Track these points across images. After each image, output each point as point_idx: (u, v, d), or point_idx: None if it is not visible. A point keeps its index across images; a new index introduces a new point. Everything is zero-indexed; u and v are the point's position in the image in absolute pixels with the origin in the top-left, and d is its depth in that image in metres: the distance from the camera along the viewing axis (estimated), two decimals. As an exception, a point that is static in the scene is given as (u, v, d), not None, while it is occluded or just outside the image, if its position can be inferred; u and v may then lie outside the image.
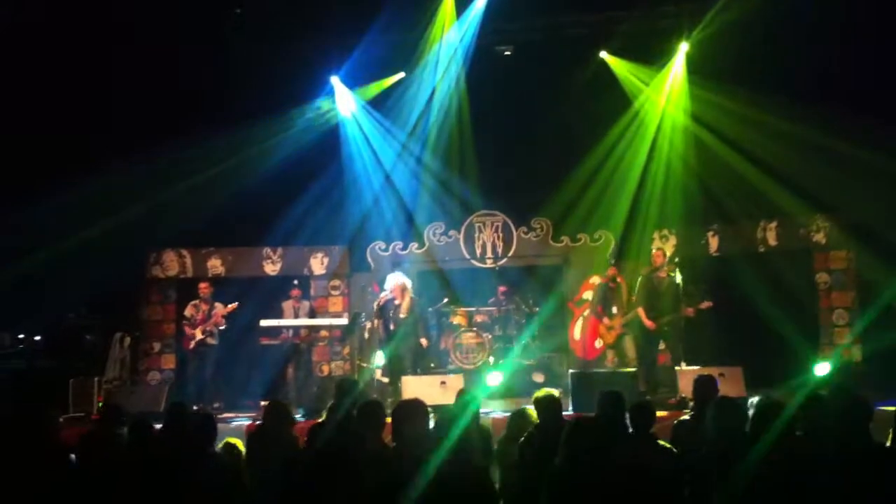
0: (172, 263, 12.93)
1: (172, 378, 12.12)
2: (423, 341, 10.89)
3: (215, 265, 13.00)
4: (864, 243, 11.17)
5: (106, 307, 11.81)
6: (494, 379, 10.39)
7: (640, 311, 10.41)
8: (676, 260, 10.73)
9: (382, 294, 10.69)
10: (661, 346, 10.78)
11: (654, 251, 10.71)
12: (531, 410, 5.84)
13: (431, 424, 4.49)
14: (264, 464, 5.40)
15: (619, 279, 11.02)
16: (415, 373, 10.38)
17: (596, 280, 12.41)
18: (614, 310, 10.99)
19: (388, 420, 4.75)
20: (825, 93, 10.57)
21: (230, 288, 11.94)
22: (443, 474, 3.69)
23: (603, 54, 12.49)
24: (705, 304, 10.28)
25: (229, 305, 11.08)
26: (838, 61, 10.51)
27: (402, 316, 10.51)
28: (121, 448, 4.89)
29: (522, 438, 5.54)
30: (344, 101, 12.98)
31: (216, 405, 10.65)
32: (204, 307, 11.12)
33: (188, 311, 11.20)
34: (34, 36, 10.31)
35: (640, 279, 10.77)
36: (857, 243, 11.39)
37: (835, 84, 10.60)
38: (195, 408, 10.20)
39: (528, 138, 12.78)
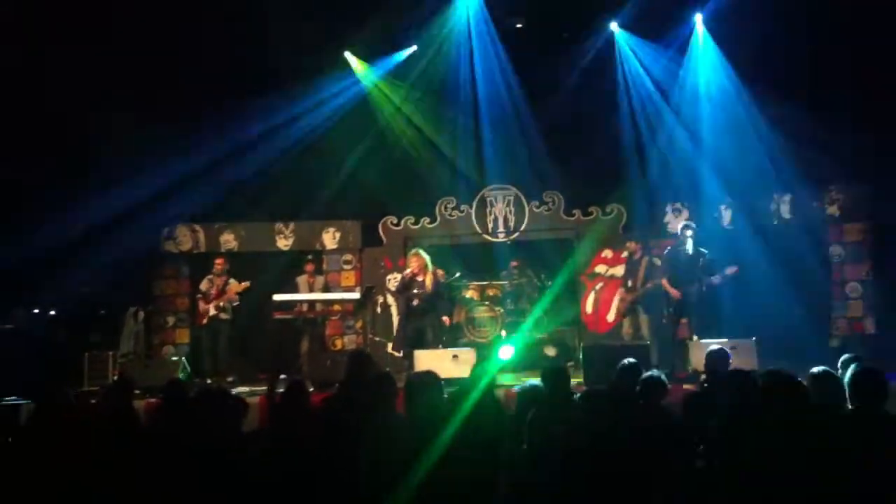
0: (185, 238, 12.98)
1: (187, 352, 12.19)
2: (446, 319, 10.95)
3: (228, 240, 13.05)
4: (879, 216, 11.13)
5: (120, 282, 11.88)
6: (506, 352, 10.41)
7: (665, 283, 10.35)
8: (689, 232, 10.66)
9: (406, 271, 10.69)
10: (683, 320, 10.73)
11: (689, 233, 10.58)
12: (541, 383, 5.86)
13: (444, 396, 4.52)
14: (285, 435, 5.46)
15: (638, 253, 10.97)
16: (435, 348, 10.40)
17: (609, 254, 12.41)
18: (629, 283, 10.98)
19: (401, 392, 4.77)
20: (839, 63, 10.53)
21: (244, 262, 12.02)
22: (454, 445, 3.73)
23: (613, 26, 12.42)
24: (731, 270, 10.16)
25: (242, 283, 11.11)
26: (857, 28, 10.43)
27: (426, 292, 10.52)
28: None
29: (532, 410, 5.57)
30: (362, 75, 12.97)
31: (230, 379, 10.74)
32: (218, 282, 11.16)
33: (203, 286, 11.26)
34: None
35: (665, 253, 10.73)
36: (871, 216, 11.35)
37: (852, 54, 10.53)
38: (209, 381, 10.35)
39: (539, 111, 12.76)
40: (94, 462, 4.26)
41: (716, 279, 9.98)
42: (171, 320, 12.80)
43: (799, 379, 4.25)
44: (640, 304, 10.71)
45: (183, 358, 10.73)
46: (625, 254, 11.39)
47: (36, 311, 11.61)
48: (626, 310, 10.97)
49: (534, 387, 5.92)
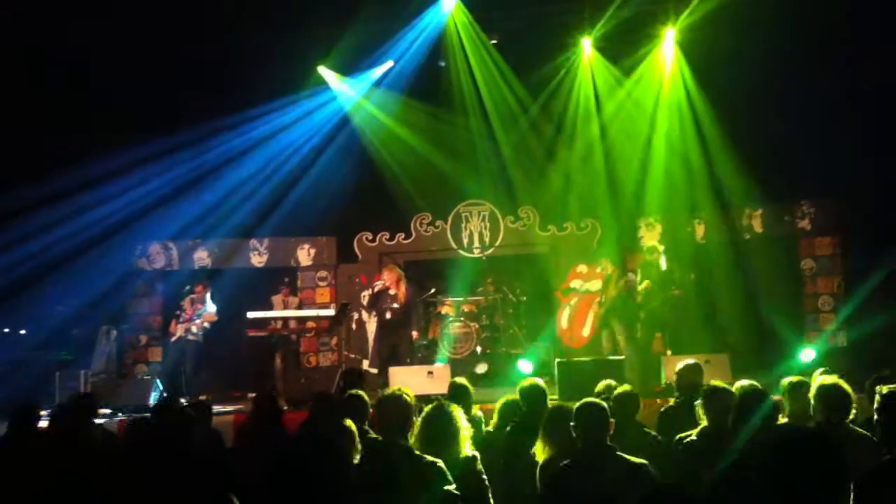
0: (159, 256, 12.87)
1: (160, 371, 12.07)
2: (415, 333, 10.92)
3: (202, 257, 12.96)
4: (849, 229, 11.27)
5: (92, 300, 11.77)
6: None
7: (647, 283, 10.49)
8: (662, 248, 10.75)
9: (376, 284, 10.66)
10: (658, 334, 10.80)
11: (660, 248, 10.71)
12: (518, 399, 5.87)
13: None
14: (253, 455, 5.42)
15: (609, 267, 11.03)
16: (410, 363, 10.38)
17: (583, 269, 12.44)
18: (602, 298, 11.03)
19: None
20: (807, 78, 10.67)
21: (218, 279, 11.97)
22: (426, 465, 3.72)
23: (586, 42, 12.48)
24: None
25: (213, 317, 11.01)
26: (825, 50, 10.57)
27: (397, 306, 10.50)
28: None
29: (509, 427, 5.58)
30: (338, 90, 13.01)
31: (202, 397, 10.62)
32: (199, 306, 11.05)
33: (184, 303, 11.14)
34: (23, 27, 10.24)
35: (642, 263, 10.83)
36: (842, 229, 11.48)
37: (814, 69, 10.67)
38: (183, 401, 10.23)
39: (515, 127, 12.83)
40: (62, 484, 4.19)
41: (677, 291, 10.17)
42: (143, 339, 12.66)
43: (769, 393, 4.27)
44: (614, 315, 10.75)
45: (157, 380, 10.62)
46: (599, 269, 11.44)
47: (6, 330, 11.49)
48: (600, 323, 11.02)
49: (512, 402, 5.94)
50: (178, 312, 11.18)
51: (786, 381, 5.17)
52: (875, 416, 3.77)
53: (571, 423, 4.28)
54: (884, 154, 10.30)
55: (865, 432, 4.30)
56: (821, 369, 6.09)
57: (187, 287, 11.31)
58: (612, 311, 10.70)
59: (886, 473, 3.26)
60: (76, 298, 11.62)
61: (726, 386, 4.83)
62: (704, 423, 4.71)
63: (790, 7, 10.24)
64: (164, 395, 9.86)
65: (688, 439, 4.65)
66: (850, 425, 4.44)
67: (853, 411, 4.49)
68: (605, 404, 4.36)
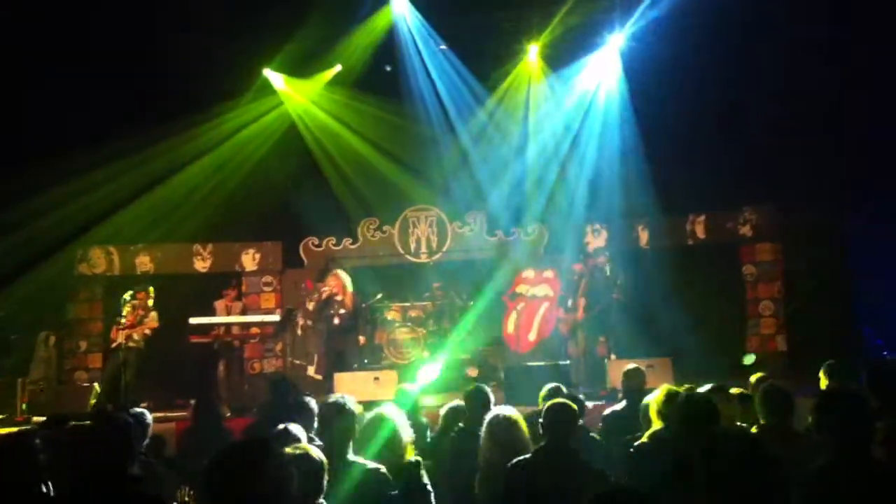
0: (100, 261, 12.60)
1: (99, 378, 11.80)
2: (361, 339, 10.87)
3: (144, 262, 12.71)
4: (790, 236, 11.49)
5: (31, 305, 11.48)
6: (429, 374, 10.38)
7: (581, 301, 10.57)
8: (608, 253, 10.85)
9: (323, 290, 10.58)
10: (602, 338, 10.90)
11: (606, 254, 10.85)
12: (463, 405, 5.87)
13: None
14: (196, 461, 5.33)
15: (577, 276, 11.10)
16: (356, 369, 10.32)
17: (530, 274, 12.48)
18: (569, 303, 11.10)
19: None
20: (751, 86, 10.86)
21: (161, 285, 11.75)
22: (368, 471, 3.70)
23: (533, 49, 12.56)
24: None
25: (155, 323, 10.79)
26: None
27: (344, 311, 10.44)
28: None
29: (454, 432, 5.58)
30: (285, 93, 12.89)
31: (144, 404, 10.40)
32: (140, 312, 10.80)
33: (125, 310, 10.86)
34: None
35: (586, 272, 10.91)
36: (783, 236, 11.71)
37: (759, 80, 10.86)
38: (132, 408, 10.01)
39: (463, 131, 12.86)
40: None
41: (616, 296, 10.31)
42: (83, 345, 12.36)
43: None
44: (582, 325, 10.81)
45: (95, 384, 10.39)
46: (547, 273, 11.51)
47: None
48: (568, 331, 11.09)
49: (457, 408, 5.94)
50: (119, 319, 10.94)
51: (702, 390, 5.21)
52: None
53: (540, 421, 4.32)
54: (824, 160, 10.56)
55: (806, 432, 4.38)
56: (755, 375, 6.23)
57: (129, 293, 11.07)
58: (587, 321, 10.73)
59: (827, 473, 3.34)
60: (14, 303, 11.33)
61: (681, 391, 4.87)
62: (657, 426, 4.73)
63: (731, 17, 10.40)
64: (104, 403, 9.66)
65: (638, 442, 4.67)
66: (792, 426, 4.56)
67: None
68: (574, 406, 4.41)
